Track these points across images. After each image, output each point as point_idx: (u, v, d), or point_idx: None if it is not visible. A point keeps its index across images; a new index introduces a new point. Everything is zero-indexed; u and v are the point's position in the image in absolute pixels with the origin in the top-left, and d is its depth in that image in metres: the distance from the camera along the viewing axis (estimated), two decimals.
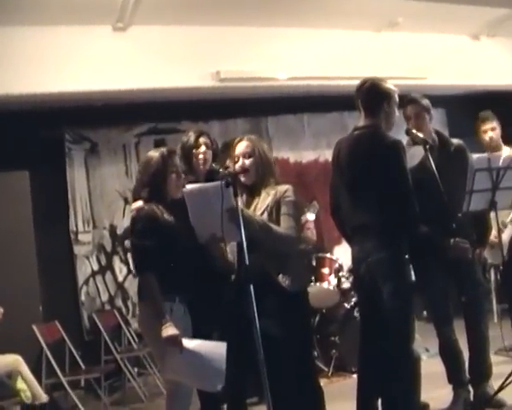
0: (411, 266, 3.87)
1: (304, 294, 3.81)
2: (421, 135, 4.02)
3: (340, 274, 6.34)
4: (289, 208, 3.58)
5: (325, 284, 6.27)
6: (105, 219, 7.40)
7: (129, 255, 7.06)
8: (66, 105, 6.66)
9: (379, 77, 4.01)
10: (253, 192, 3.69)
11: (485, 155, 4.34)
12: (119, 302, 7.33)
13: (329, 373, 5.94)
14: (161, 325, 3.27)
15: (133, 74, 6.42)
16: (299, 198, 3.75)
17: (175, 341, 3.27)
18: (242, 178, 3.63)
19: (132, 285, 7.08)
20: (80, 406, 5.31)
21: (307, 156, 8.46)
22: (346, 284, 6.31)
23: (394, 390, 3.76)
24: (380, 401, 3.90)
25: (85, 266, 7.26)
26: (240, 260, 3.40)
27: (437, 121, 8.36)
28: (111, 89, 6.41)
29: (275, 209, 3.57)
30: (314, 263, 6.44)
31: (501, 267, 5.60)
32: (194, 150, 4.00)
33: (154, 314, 3.34)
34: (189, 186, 3.50)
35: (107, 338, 6.31)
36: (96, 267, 7.32)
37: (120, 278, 7.38)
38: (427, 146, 3.95)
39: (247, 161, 3.64)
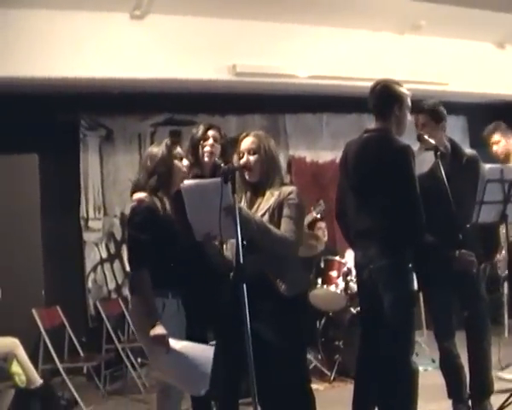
0: (414, 275, 3.78)
1: (301, 298, 3.72)
2: (432, 141, 3.92)
3: (349, 278, 6.24)
4: (291, 211, 3.48)
5: (332, 288, 6.19)
6: (116, 207, 7.39)
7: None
8: (83, 91, 6.66)
9: (392, 79, 3.92)
10: (257, 191, 3.60)
11: (498, 165, 4.22)
12: (125, 291, 7.28)
13: (331, 378, 5.87)
14: (151, 323, 3.24)
15: (149, 63, 6.42)
16: (304, 200, 3.63)
17: (162, 340, 3.23)
18: (247, 176, 3.55)
19: None
20: (75, 393, 5.27)
21: (324, 156, 8.42)
22: (353, 289, 6.21)
23: (391, 400, 3.68)
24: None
25: (94, 254, 7.27)
26: (237, 258, 3.33)
27: (458, 128, 8.30)
28: (126, 77, 6.41)
29: (277, 211, 3.48)
30: (322, 265, 6.36)
31: None
32: (201, 142, 3.97)
33: (144, 311, 3.30)
34: (187, 182, 3.44)
35: (109, 327, 6.29)
36: (104, 255, 7.33)
37: (128, 268, 7.33)
38: (438, 153, 3.85)
39: (252, 158, 3.55)
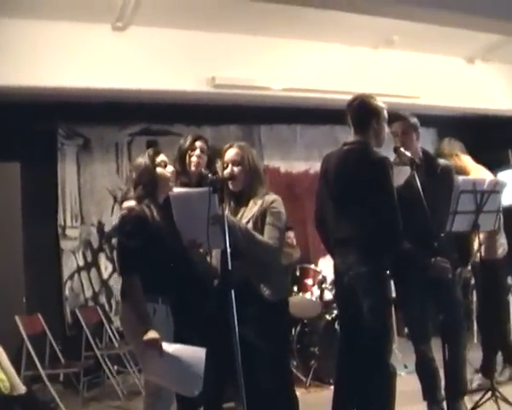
0: (392, 281, 3.91)
1: (283, 304, 3.83)
2: (408, 154, 4.04)
3: (324, 286, 6.40)
4: (275, 219, 3.62)
5: (308, 295, 6.32)
6: (93, 215, 7.42)
7: (115, 253, 7.06)
8: (62, 100, 6.66)
9: (368, 94, 4.05)
10: (240, 200, 3.73)
11: (470, 177, 4.40)
12: (102, 299, 7.35)
13: (307, 384, 5.97)
14: (143, 328, 3.30)
15: (129, 74, 6.46)
16: (287, 210, 3.76)
17: (155, 344, 3.29)
18: (230, 186, 3.68)
19: (117, 283, 7.08)
20: (58, 399, 5.30)
21: (298, 167, 8.54)
22: (328, 296, 6.37)
23: (369, 404, 3.80)
24: None
25: (71, 262, 7.28)
26: (223, 265, 3.44)
27: (427, 141, 8.43)
28: (106, 87, 6.43)
29: (260, 219, 3.62)
30: (298, 273, 6.49)
31: None
32: (189, 152, 4.10)
33: (136, 316, 3.36)
34: (176, 190, 3.55)
35: (88, 334, 6.30)
36: (81, 263, 7.34)
37: (105, 276, 7.41)
38: (414, 166, 3.99)
39: (236, 169, 3.69)
